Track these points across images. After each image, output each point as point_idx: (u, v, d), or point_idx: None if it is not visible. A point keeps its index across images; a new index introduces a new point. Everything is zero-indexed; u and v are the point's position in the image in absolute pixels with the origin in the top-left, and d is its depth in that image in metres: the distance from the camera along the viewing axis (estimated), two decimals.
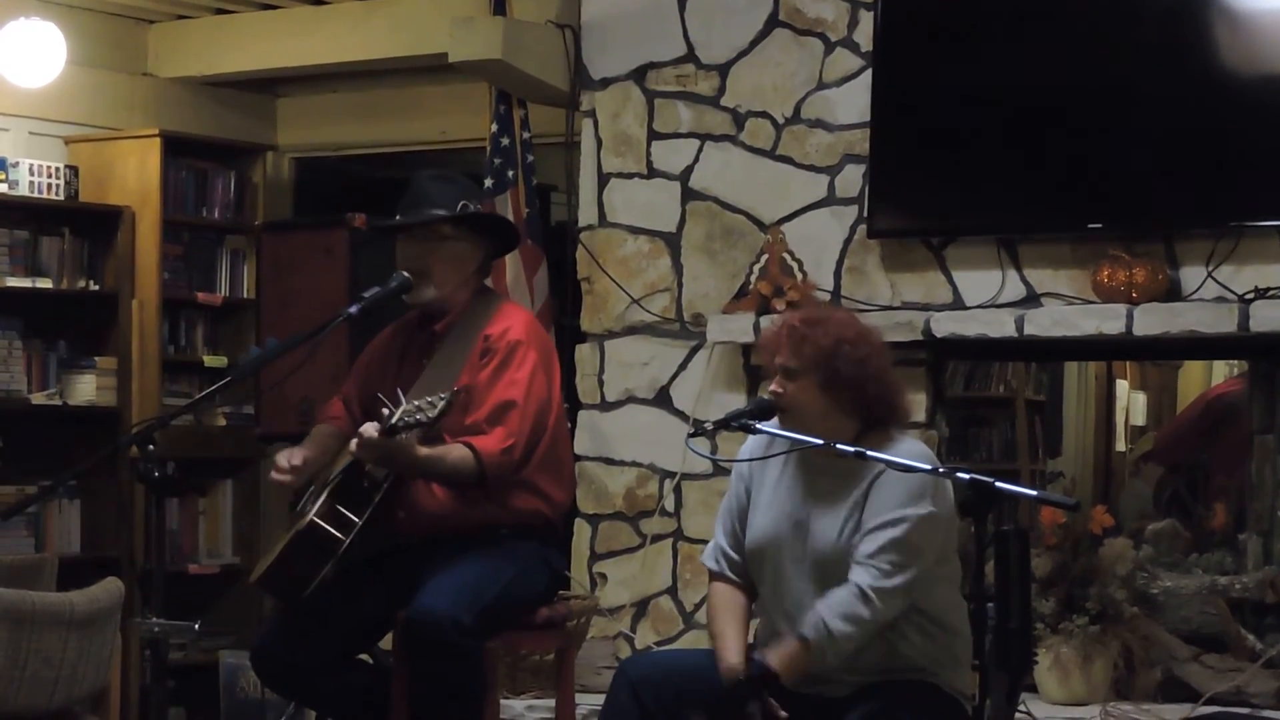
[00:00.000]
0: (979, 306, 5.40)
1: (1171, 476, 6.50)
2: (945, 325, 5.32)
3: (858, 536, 3.71)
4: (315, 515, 4.19)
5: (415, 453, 4.16)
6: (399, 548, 4.36)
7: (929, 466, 3.60)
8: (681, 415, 5.77)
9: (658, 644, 5.74)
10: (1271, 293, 4.99)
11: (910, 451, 3.73)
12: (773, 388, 3.81)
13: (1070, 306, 5.27)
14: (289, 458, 4.32)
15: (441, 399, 4.04)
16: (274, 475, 4.34)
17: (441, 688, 4.14)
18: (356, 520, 4.21)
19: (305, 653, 4.27)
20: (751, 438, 3.92)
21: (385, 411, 4.11)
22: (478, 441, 4.21)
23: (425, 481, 4.28)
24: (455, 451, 4.21)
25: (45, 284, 6.43)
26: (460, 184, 4.47)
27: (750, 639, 3.92)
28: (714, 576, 3.97)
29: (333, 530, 4.19)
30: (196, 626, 3.94)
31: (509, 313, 4.42)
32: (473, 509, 4.28)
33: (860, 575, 3.68)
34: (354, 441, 4.18)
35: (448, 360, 4.33)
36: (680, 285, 5.84)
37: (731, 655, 3.80)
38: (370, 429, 4.13)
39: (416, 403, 4.06)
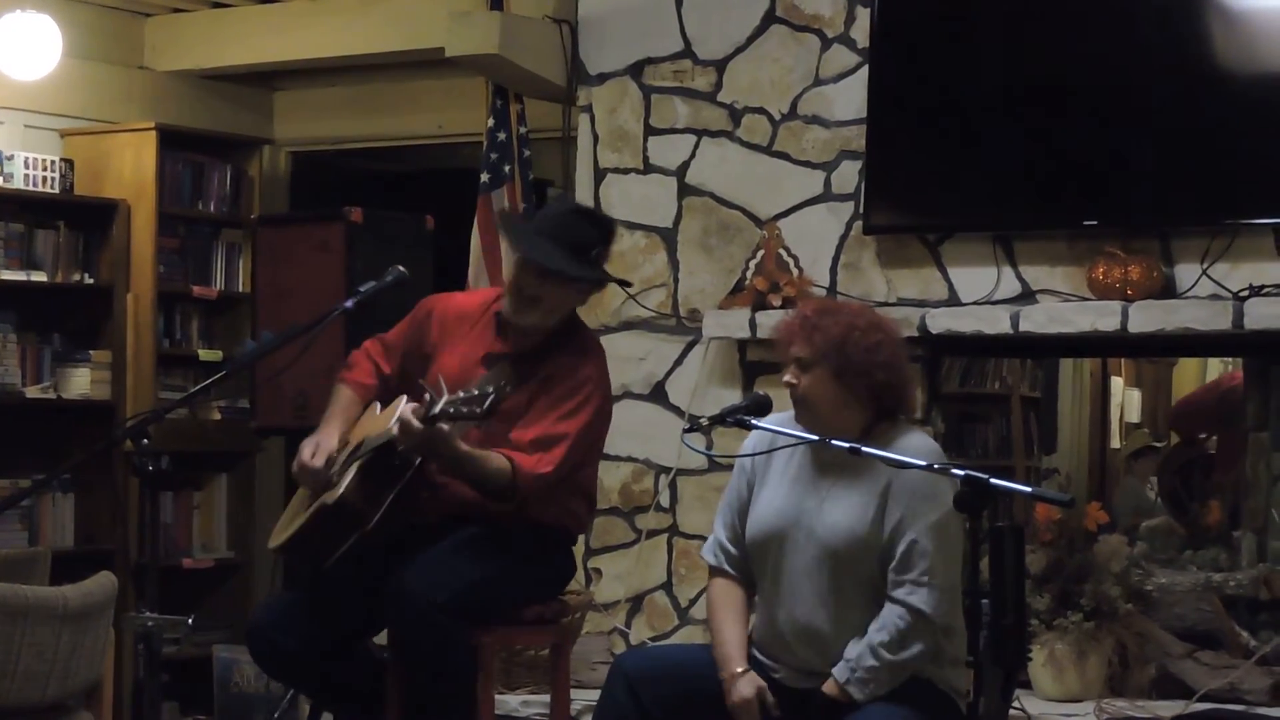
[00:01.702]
0: (975, 303, 5.41)
1: (1176, 455, 6.52)
2: (941, 321, 5.32)
3: (895, 557, 3.69)
4: (344, 491, 4.17)
5: (456, 446, 4.11)
6: (414, 531, 4.33)
7: (924, 462, 3.61)
8: (677, 411, 5.77)
9: (653, 639, 5.74)
10: (1266, 290, 5.00)
11: (917, 446, 3.73)
12: (787, 378, 3.79)
13: (1066, 303, 5.27)
14: (313, 453, 4.25)
15: (490, 393, 4.00)
16: (302, 462, 4.29)
17: (423, 666, 4.13)
18: (385, 499, 4.19)
19: (302, 638, 4.25)
20: (751, 438, 3.92)
21: (428, 398, 4.08)
22: (519, 458, 4.18)
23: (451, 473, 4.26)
24: (496, 459, 4.17)
25: (40, 277, 6.43)
26: (600, 227, 4.37)
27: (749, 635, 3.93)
28: (713, 571, 3.97)
29: (361, 507, 4.17)
30: (190, 621, 3.93)
31: (587, 348, 4.38)
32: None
33: (907, 596, 3.67)
34: (394, 425, 4.15)
35: (510, 373, 4.29)
36: (676, 280, 5.84)
37: (733, 662, 3.80)
38: (410, 413, 4.11)
39: (462, 394, 4.03)
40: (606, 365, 4.42)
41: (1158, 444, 6.89)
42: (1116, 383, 7.02)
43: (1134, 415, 7.14)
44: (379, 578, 4.26)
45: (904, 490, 3.71)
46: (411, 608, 4.07)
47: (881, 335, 3.80)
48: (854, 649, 3.69)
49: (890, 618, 3.68)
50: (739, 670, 3.78)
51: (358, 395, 4.44)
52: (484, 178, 6.00)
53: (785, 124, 5.71)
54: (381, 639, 4.48)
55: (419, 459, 4.22)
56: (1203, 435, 6.54)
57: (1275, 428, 5.25)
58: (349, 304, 4.32)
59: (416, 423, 4.05)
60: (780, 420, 3.85)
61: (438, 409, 4.02)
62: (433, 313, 4.47)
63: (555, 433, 4.22)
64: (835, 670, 3.70)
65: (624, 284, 4.65)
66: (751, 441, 3.95)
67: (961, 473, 3.39)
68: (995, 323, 5.27)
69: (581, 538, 5.82)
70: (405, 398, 4.21)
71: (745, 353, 5.67)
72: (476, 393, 4.00)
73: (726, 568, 3.93)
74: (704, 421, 3.96)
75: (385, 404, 4.37)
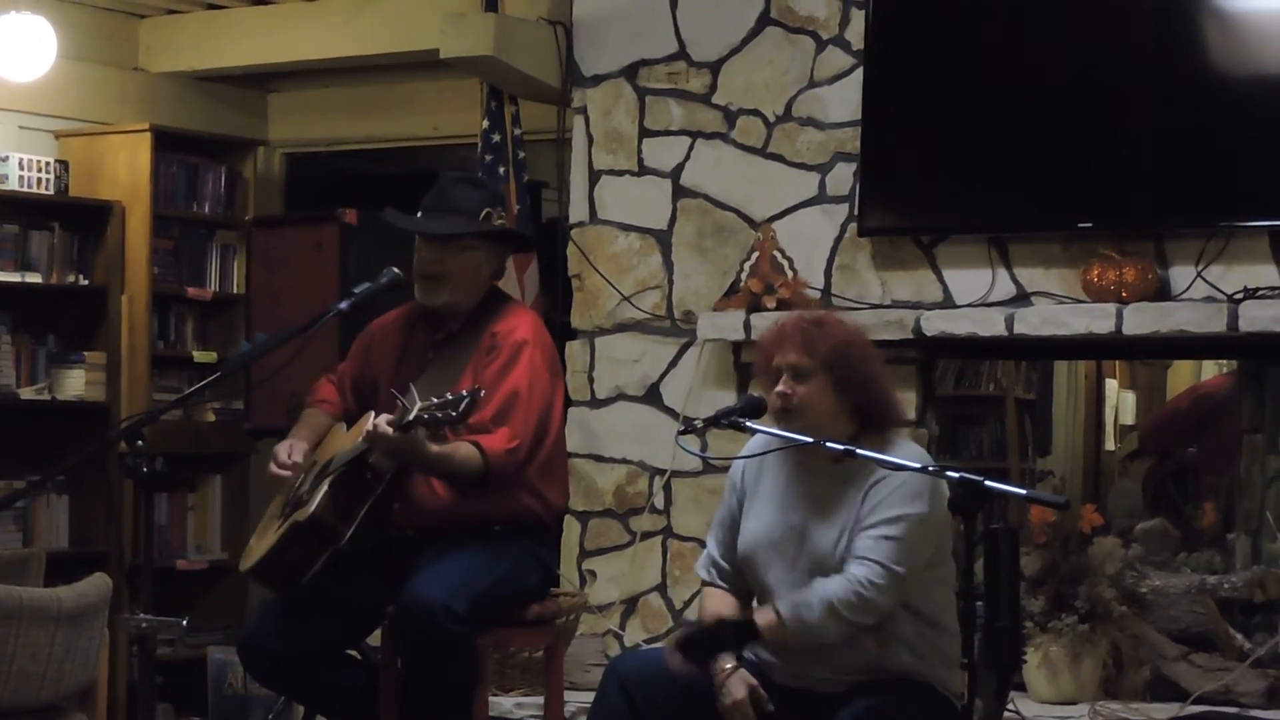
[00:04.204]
0: (969, 305, 5.41)
1: (1158, 469, 6.52)
2: (935, 324, 5.32)
3: (855, 533, 3.71)
4: (317, 507, 4.18)
5: (427, 449, 4.15)
6: (392, 541, 4.36)
7: (918, 465, 3.61)
8: (672, 412, 5.77)
9: (647, 641, 5.74)
10: (1261, 293, 4.99)
11: (907, 455, 3.73)
12: (780, 389, 3.78)
13: (1060, 305, 5.27)
14: (289, 452, 4.30)
15: (464, 397, 4.02)
16: (273, 469, 4.31)
17: (433, 676, 4.15)
18: (358, 513, 4.20)
19: (294, 645, 4.27)
20: (749, 444, 3.92)
21: (400, 404, 4.09)
22: (484, 440, 4.21)
23: (425, 476, 4.28)
24: (463, 450, 4.21)
25: (35, 278, 6.42)
26: (485, 189, 4.48)
27: None
28: (705, 584, 3.98)
29: (334, 523, 4.18)
30: (184, 622, 3.94)
31: (516, 313, 4.44)
32: (468, 505, 4.28)
33: (855, 569, 3.68)
34: (365, 433, 4.17)
35: (453, 356, 4.33)
36: (671, 282, 5.83)
37: (723, 658, 3.78)
38: (383, 421, 4.11)
39: (436, 400, 4.04)
40: (541, 323, 4.46)
41: (1139, 441, 6.88)
42: (1111, 385, 7.02)
43: (1128, 417, 7.14)
44: (365, 585, 4.27)
45: (880, 488, 3.72)
46: (430, 620, 4.08)
47: (871, 349, 3.84)
48: (804, 594, 3.68)
49: (835, 581, 3.66)
50: (729, 666, 3.78)
51: (324, 412, 4.48)
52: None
53: (780, 126, 5.70)
54: (373, 639, 4.49)
55: (389, 474, 4.24)
56: (1178, 448, 6.52)
57: (1270, 430, 5.25)
58: (343, 305, 4.34)
59: (389, 430, 4.07)
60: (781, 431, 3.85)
61: (412, 415, 4.04)
62: (373, 337, 4.56)
63: (510, 402, 4.24)
64: (779, 604, 3.69)
65: (519, 235, 4.69)
66: (750, 447, 3.95)
67: (956, 475, 3.39)
68: (990, 325, 5.27)
69: (577, 539, 5.85)
70: (373, 413, 4.22)
71: (740, 354, 5.66)
72: (451, 397, 4.02)
73: (719, 583, 3.94)
74: (698, 423, 3.95)
75: (350, 425, 4.40)
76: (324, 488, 4.21)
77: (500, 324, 4.36)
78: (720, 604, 3.91)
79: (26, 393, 6.41)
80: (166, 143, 6.72)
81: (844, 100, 5.59)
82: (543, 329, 4.45)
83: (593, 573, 5.87)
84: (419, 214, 4.41)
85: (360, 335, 4.59)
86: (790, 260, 5.60)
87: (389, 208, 4.50)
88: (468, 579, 4.16)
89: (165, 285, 6.72)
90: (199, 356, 6.83)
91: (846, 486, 3.77)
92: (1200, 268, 5.14)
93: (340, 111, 7.13)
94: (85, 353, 6.50)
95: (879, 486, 3.73)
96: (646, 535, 5.81)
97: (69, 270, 6.53)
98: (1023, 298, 5.37)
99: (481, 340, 4.34)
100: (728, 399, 5.41)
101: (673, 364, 5.81)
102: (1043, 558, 5.07)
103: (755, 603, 3.92)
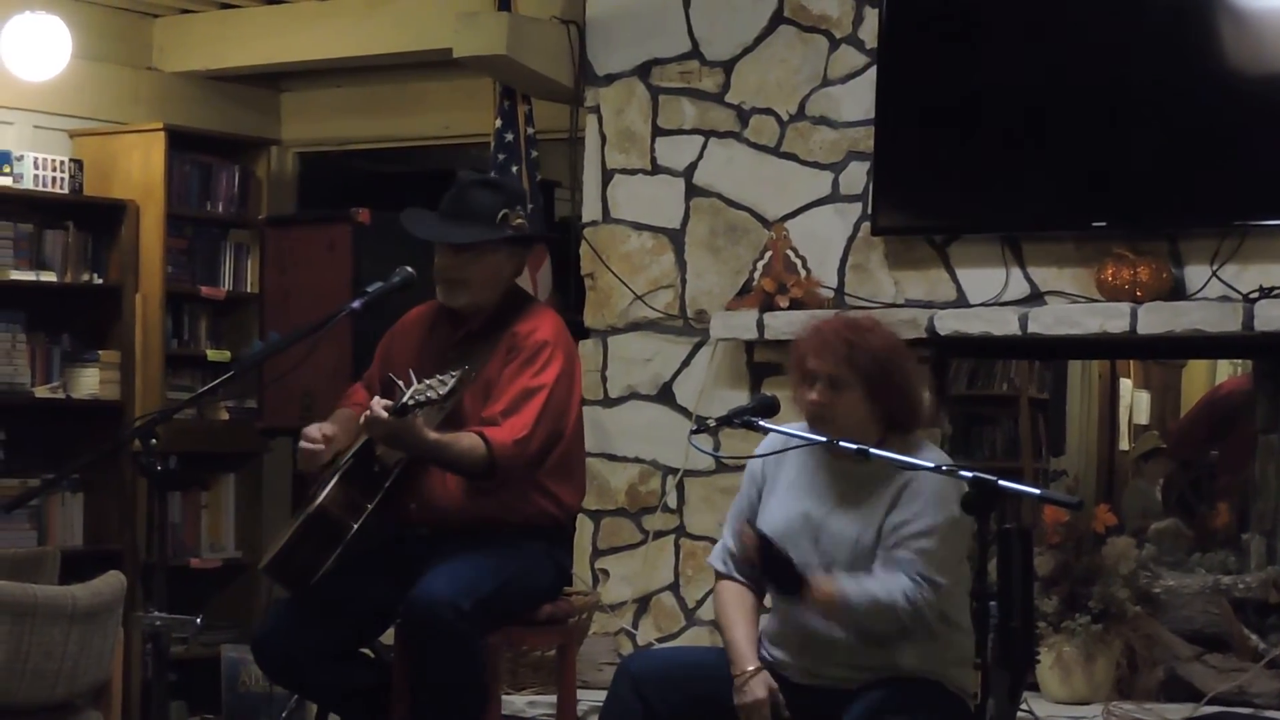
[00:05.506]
0: (983, 304, 5.40)
1: (1180, 475, 6.51)
2: (949, 323, 5.32)
3: (893, 539, 3.70)
4: (325, 499, 4.18)
5: (424, 435, 4.14)
6: (406, 539, 4.36)
7: (931, 465, 3.61)
8: (684, 412, 5.77)
9: (659, 640, 5.74)
10: (1276, 292, 4.98)
11: (927, 458, 3.72)
12: (815, 397, 3.78)
13: (1074, 305, 5.26)
14: (320, 428, 4.30)
15: (452, 376, 4.03)
16: (303, 444, 4.29)
17: (440, 673, 4.14)
18: (366, 505, 4.20)
19: (307, 643, 4.27)
20: (768, 439, 3.92)
21: (399, 389, 4.10)
22: (490, 431, 4.20)
23: (439, 472, 4.28)
24: (466, 439, 4.20)
25: (49, 277, 6.44)
26: (502, 191, 4.44)
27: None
28: (720, 576, 3.97)
29: (342, 515, 4.19)
30: (198, 620, 3.94)
31: (539, 313, 4.43)
32: (483, 504, 4.28)
33: (902, 582, 3.68)
34: (363, 416, 4.17)
35: (473, 355, 4.33)
36: (684, 282, 5.83)
37: (745, 660, 3.81)
38: (379, 406, 4.12)
39: (427, 381, 4.05)
40: (564, 325, 4.45)
41: (1166, 446, 6.87)
42: (1125, 384, 7.01)
43: (1142, 417, 7.13)
44: (379, 583, 4.27)
45: (914, 494, 3.72)
46: (436, 618, 4.07)
47: (910, 355, 3.84)
48: (860, 579, 3.69)
49: (898, 590, 3.67)
50: (750, 669, 3.79)
51: (354, 411, 4.47)
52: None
53: (793, 125, 5.70)
54: (386, 638, 4.49)
55: (397, 466, 4.24)
56: (1203, 453, 6.52)
57: None
58: (356, 304, 4.34)
59: (382, 413, 4.07)
60: (793, 430, 3.85)
61: (404, 400, 4.04)
62: (393, 338, 4.55)
63: (523, 398, 4.24)
64: (841, 578, 3.69)
65: (545, 237, 4.67)
66: (765, 445, 3.95)
67: (969, 474, 3.39)
68: (1003, 324, 5.26)
69: (589, 538, 5.85)
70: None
71: (752, 354, 5.66)
72: (441, 378, 4.03)
73: (735, 575, 3.94)
74: (711, 423, 3.97)
75: None
76: (333, 480, 4.22)
77: (522, 324, 4.35)
78: (736, 599, 3.91)
79: (41, 391, 6.43)
80: (180, 142, 6.74)
81: (857, 99, 5.59)
82: (564, 330, 4.44)
83: (605, 572, 5.87)
84: (437, 215, 4.40)
85: (383, 337, 4.60)
86: (803, 259, 5.60)
87: (408, 208, 4.48)
88: (476, 579, 4.16)
89: (179, 284, 6.74)
90: (212, 355, 6.85)
91: (869, 484, 3.77)
92: (1215, 267, 5.13)
93: (353, 111, 7.15)
94: (99, 352, 6.52)
95: (910, 490, 3.72)
96: (659, 534, 5.81)
97: (83, 269, 6.54)
98: (1036, 297, 5.36)
99: (502, 340, 4.34)
100: (740, 398, 5.41)
101: (685, 363, 5.81)
102: (1056, 558, 5.06)
103: (769, 598, 3.93)
